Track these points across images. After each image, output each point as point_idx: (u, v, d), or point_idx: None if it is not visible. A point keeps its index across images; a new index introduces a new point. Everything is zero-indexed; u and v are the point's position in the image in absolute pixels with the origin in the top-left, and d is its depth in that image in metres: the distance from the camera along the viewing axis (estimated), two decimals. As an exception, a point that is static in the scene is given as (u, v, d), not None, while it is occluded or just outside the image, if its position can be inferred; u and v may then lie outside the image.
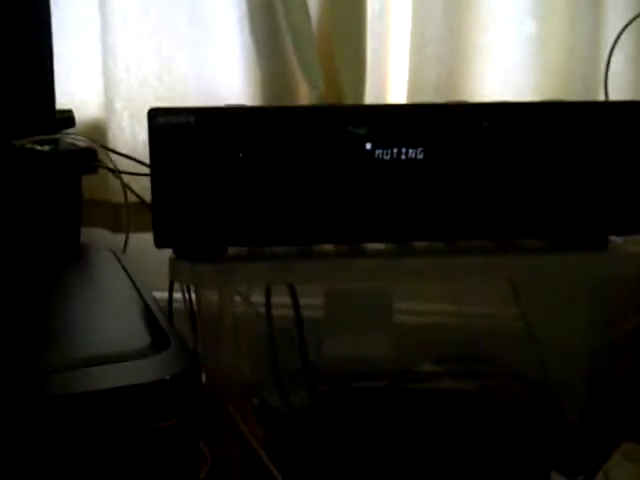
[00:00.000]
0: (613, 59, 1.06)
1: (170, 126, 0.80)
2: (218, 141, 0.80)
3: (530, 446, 0.98)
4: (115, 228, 1.25)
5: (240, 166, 0.80)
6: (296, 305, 1.05)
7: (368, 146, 0.82)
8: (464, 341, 1.12)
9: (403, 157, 0.82)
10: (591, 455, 0.93)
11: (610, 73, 1.06)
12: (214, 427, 0.92)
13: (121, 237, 1.17)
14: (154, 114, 0.80)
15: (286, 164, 0.81)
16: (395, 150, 0.82)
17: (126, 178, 1.11)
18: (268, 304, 1.03)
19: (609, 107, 0.85)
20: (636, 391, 1.00)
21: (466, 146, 0.83)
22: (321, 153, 0.81)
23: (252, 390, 1.05)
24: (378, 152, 0.82)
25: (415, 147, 0.82)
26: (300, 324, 1.06)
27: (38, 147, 0.98)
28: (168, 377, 0.59)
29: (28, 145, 0.98)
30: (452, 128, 0.82)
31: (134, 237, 1.14)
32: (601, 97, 1.08)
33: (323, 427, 1.03)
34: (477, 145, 0.83)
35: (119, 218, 1.21)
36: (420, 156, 0.82)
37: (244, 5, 1.16)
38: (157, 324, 0.69)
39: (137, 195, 1.11)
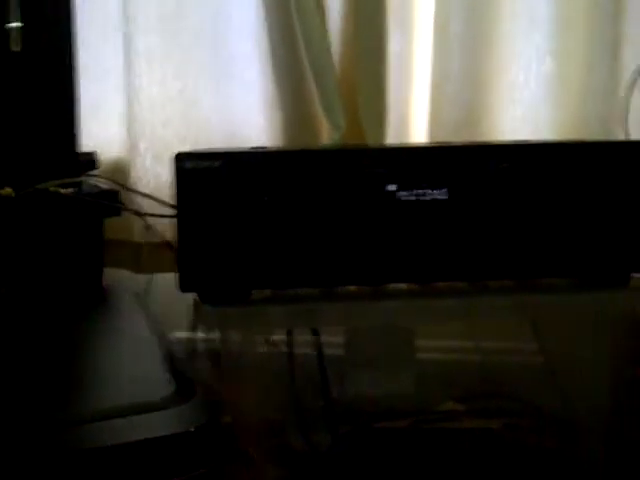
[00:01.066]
0: (632, 98, 1.06)
1: (196, 170, 0.81)
2: (243, 185, 0.81)
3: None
4: (137, 269, 1.25)
5: (265, 209, 0.81)
6: (318, 344, 1.05)
7: (391, 187, 0.82)
8: (485, 377, 1.12)
9: (426, 198, 0.83)
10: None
11: (631, 109, 1.06)
12: (237, 468, 0.92)
13: (144, 277, 1.18)
14: (181, 158, 0.81)
15: (310, 207, 0.82)
16: (418, 191, 0.82)
17: (149, 219, 1.12)
18: (290, 344, 1.04)
19: (629, 146, 0.85)
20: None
21: (488, 186, 0.83)
22: (344, 195, 0.82)
23: (275, 430, 1.05)
24: (401, 193, 0.82)
25: (438, 188, 0.83)
26: (322, 364, 1.06)
27: (61, 190, 0.99)
28: (193, 429, 0.59)
29: (52, 188, 0.99)
30: (474, 169, 0.83)
31: (156, 277, 1.15)
32: (620, 136, 1.08)
33: (345, 468, 1.03)
34: (499, 185, 0.83)
35: (141, 258, 1.21)
36: (443, 197, 0.83)
37: (266, 46, 1.17)
38: (181, 372, 0.69)
39: (159, 236, 1.12)
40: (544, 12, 1.13)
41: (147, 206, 1.14)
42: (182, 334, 0.97)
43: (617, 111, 1.10)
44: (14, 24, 0.97)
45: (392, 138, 1.17)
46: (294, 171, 0.82)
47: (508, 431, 1.07)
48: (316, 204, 0.82)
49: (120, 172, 1.24)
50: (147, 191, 1.17)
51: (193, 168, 0.80)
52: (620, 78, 1.11)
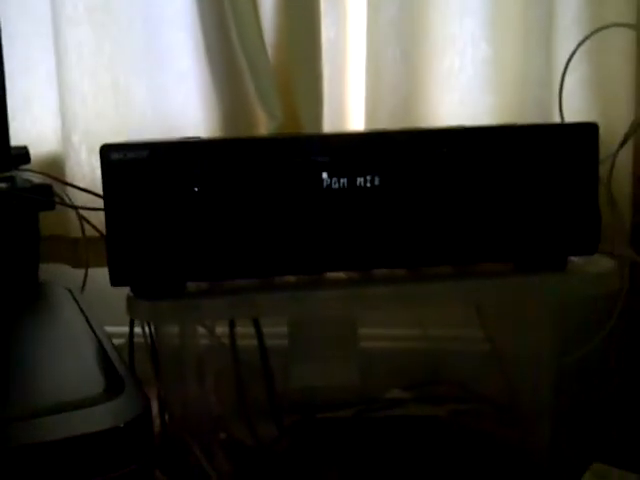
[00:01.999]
0: (567, 80, 1.06)
1: (123, 161, 0.79)
2: (173, 175, 0.79)
3: (500, 471, 0.97)
4: (75, 263, 1.23)
5: (196, 200, 0.80)
6: (260, 337, 1.04)
7: (324, 175, 0.81)
8: (431, 365, 1.12)
9: (359, 185, 0.82)
10: (561, 477, 0.92)
11: (564, 94, 1.07)
12: (179, 464, 0.90)
13: (81, 272, 1.16)
14: (107, 150, 0.79)
15: (242, 196, 0.81)
16: (350, 179, 0.81)
17: (85, 213, 1.10)
18: (232, 337, 1.02)
19: (564, 129, 0.85)
20: (603, 410, 1.00)
21: (423, 172, 0.83)
22: (277, 184, 0.81)
23: (219, 424, 1.04)
24: (335, 181, 0.81)
25: (371, 175, 0.82)
26: (264, 356, 1.05)
27: (-7, 185, 0.97)
28: (122, 425, 0.57)
29: (-17, 183, 0.97)
30: (409, 154, 0.82)
31: (95, 271, 1.13)
32: (556, 119, 1.08)
33: (290, 461, 1.02)
34: (435, 171, 0.83)
35: (79, 253, 1.20)
36: (376, 183, 0.82)
37: (200, 37, 1.16)
38: (112, 367, 0.68)
39: (96, 229, 1.10)
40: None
41: (84, 201, 1.12)
42: (119, 329, 0.95)
43: (552, 96, 1.10)
44: None
45: (330, 127, 1.16)
46: (224, 160, 0.80)
47: (454, 418, 1.07)
48: (248, 193, 0.81)
49: (55, 166, 1.22)
50: (83, 185, 1.15)
51: (120, 159, 0.78)
52: (555, 63, 1.11)
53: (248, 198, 0.81)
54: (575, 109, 1.09)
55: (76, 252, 1.21)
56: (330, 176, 0.81)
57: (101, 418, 0.58)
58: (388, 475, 0.98)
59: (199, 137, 0.87)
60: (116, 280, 0.80)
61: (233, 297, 0.84)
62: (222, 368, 1.04)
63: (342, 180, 0.81)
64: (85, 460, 0.56)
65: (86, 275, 1.13)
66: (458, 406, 1.07)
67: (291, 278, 0.87)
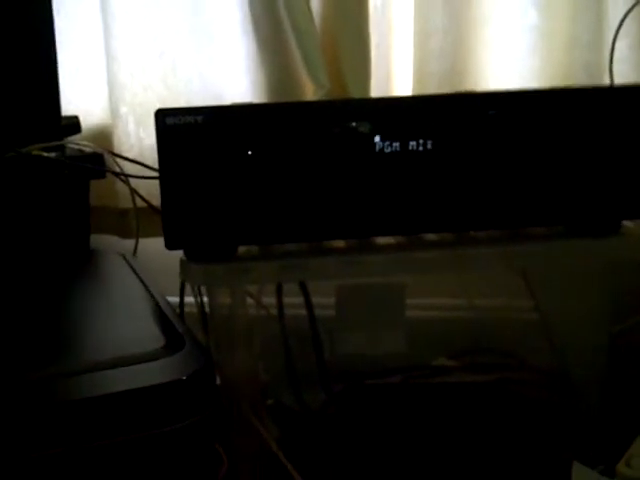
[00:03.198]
0: (617, 45, 1.05)
1: (178, 126, 0.80)
2: (226, 140, 0.80)
3: (550, 437, 0.97)
4: (124, 234, 1.24)
5: (249, 164, 0.80)
6: (308, 303, 1.04)
7: (376, 139, 0.81)
8: (478, 334, 1.11)
9: (411, 149, 0.82)
10: (612, 443, 0.92)
11: (614, 59, 1.06)
12: (230, 428, 0.91)
13: (130, 242, 1.17)
14: (161, 115, 0.80)
15: (294, 161, 0.81)
16: (402, 143, 0.81)
17: (133, 183, 1.11)
18: (280, 304, 1.03)
19: (616, 92, 0.84)
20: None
21: (474, 135, 0.83)
22: (329, 148, 0.81)
23: (267, 390, 1.05)
24: (386, 145, 0.81)
25: (423, 139, 0.82)
26: (313, 322, 1.06)
27: (45, 154, 0.98)
28: (184, 377, 0.58)
29: (35, 152, 0.98)
30: (459, 118, 0.82)
31: (143, 242, 1.14)
32: (606, 83, 1.07)
33: (338, 426, 1.03)
34: (485, 134, 0.83)
35: (128, 224, 1.21)
36: (428, 147, 0.82)
37: (246, 7, 1.16)
38: (171, 325, 0.69)
39: (145, 200, 1.11)
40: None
41: (132, 172, 1.13)
42: (171, 298, 0.96)
43: (602, 61, 1.09)
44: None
45: (377, 94, 1.16)
46: (277, 125, 0.80)
47: (502, 385, 1.06)
48: (300, 157, 0.81)
49: (103, 137, 1.23)
50: (131, 156, 1.16)
51: (174, 124, 0.79)
52: (605, 26, 1.10)
53: (300, 162, 0.81)
54: (625, 74, 1.08)
55: (124, 223, 1.23)
56: (382, 140, 0.81)
57: (163, 371, 0.59)
58: (435, 439, 0.99)
59: (250, 102, 0.87)
60: (171, 243, 0.81)
61: (283, 261, 0.84)
62: (271, 336, 1.05)
63: (394, 144, 0.81)
64: (147, 413, 0.57)
65: (136, 244, 1.14)
66: (505, 374, 1.07)
67: (340, 243, 0.87)
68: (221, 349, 0.96)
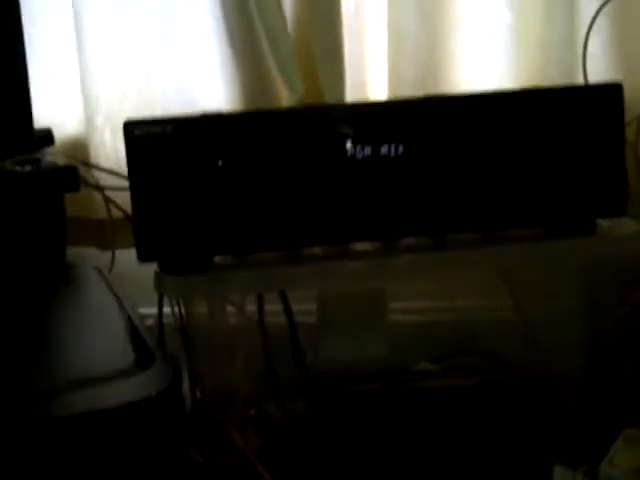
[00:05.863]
0: (590, 42, 1.05)
1: (147, 137, 0.79)
2: (196, 150, 0.80)
3: (532, 439, 0.97)
4: (102, 245, 1.23)
5: (220, 174, 0.80)
6: (288, 311, 1.04)
7: (348, 145, 0.81)
8: (459, 336, 1.11)
9: (383, 154, 0.81)
10: (593, 444, 0.92)
11: (588, 56, 1.06)
12: (209, 438, 0.91)
13: (108, 254, 1.16)
14: (130, 126, 0.79)
15: (265, 169, 0.81)
16: (374, 148, 0.81)
17: (113, 194, 1.10)
18: (260, 312, 1.03)
19: (588, 91, 0.84)
20: (635, 376, 0.99)
21: (447, 139, 0.82)
22: (300, 155, 0.81)
23: (250, 399, 1.04)
24: (358, 150, 0.81)
25: (395, 143, 0.81)
26: (294, 330, 1.05)
27: (18, 168, 0.97)
28: (152, 395, 0.58)
29: (9, 166, 0.97)
30: (432, 122, 0.82)
31: (122, 253, 1.14)
32: (580, 81, 1.07)
33: (321, 434, 1.02)
34: (458, 138, 0.82)
35: (105, 235, 1.20)
36: (401, 152, 0.81)
37: (218, 13, 1.15)
38: (141, 341, 0.68)
39: (122, 209, 1.10)
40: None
41: (108, 182, 1.13)
42: (148, 310, 0.96)
43: (576, 59, 1.09)
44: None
45: (351, 99, 1.16)
46: (246, 133, 0.80)
47: (483, 388, 1.06)
48: (272, 166, 0.81)
49: (79, 148, 1.22)
50: (107, 166, 1.16)
51: (143, 135, 0.79)
52: (578, 23, 1.10)
53: (272, 170, 0.81)
54: (599, 71, 1.08)
55: (102, 234, 1.22)
56: (354, 146, 0.81)
57: (131, 390, 0.58)
58: (418, 444, 0.98)
59: (220, 111, 0.87)
60: (143, 255, 0.81)
61: (260, 270, 0.84)
62: (251, 344, 1.04)
63: (366, 149, 0.81)
64: (117, 431, 0.56)
65: (113, 256, 1.14)
66: (486, 377, 1.07)
67: (317, 250, 0.86)
68: (201, 360, 0.96)
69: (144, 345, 0.67)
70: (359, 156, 0.81)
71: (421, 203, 0.83)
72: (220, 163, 0.79)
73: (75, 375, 0.60)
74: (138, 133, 0.79)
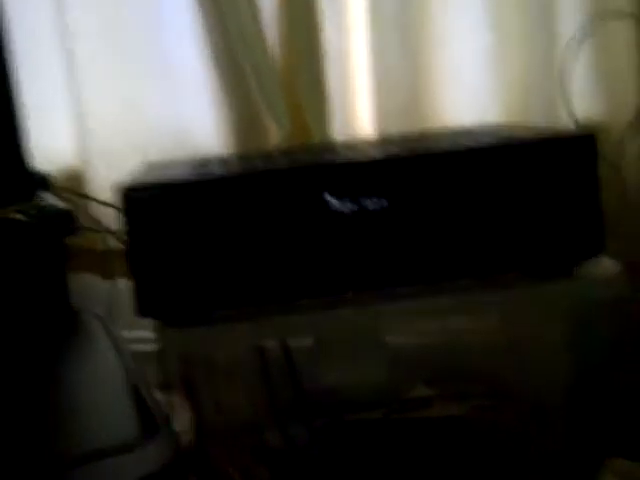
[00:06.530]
0: (572, 66, 1.08)
1: (144, 201, 0.82)
2: (191, 212, 0.83)
3: (524, 466, 1.00)
4: (104, 275, 1.26)
5: (217, 233, 0.83)
6: (285, 344, 1.06)
7: (332, 201, 0.84)
8: (453, 358, 1.13)
9: (367, 208, 0.84)
10: (578, 472, 0.95)
11: (568, 75, 1.09)
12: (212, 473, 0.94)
13: (109, 285, 1.19)
14: (128, 192, 0.82)
15: (258, 227, 0.84)
16: (360, 203, 0.84)
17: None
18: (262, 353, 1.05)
19: (563, 142, 0.87)
20: (620, 408, 1.01)
21: (428, 192, 0.86)
22: (292, 213, 0.84)
23: (251, 429, 1.07)
24: (344, 207, 0.84)
25: (378, 198, 0.84)
26: (290, 359, 1.07)
27: (18, 216, 0.99)
28: (157, 470, 0.59)
29: (10, 215, 0.99)
30: (414, 177, 0.85)
31: (122, 282, 1.16)
32: (561, 107, 1.10)
33: (322, 464, 1.05)
34: (439, 191, 0.86)
35: (106, 265, 1.23)
36: (384, 206, 0.84)
37: (209, 53, 1.17)
38: (144, 408, 0.69)
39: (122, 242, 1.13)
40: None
41: (105, 212, 1.15)
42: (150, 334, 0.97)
43: (557, 81, 1.12)
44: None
45: (338, 132, 1.18)
46: (239, 195, 0.83)
47: (477, 415, 1.08)
48: (264, 224, 0.84)
49: (75, 179, 1.24)
50: (103, 198, 1.18)
51: (140, 199, 0.82)
52: (558, 46, 1.13)
53: (264, 229, 0.84)
54: (580, 91, 1.11)
55: (103, 265, 1.24)
56: (338, 203, 0.84)
57: (138, 464, 0.60)
58: (413, 475, 1.01)
59: (211, 158, 0.89)
60: (144, 311, 0.83)
61: (259, 322, 0.87)
62: (251, 374, 1.07)
63: (350, 205, 0.84)
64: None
65: (115, 292, 1.17)
66: (481, 402, 1.09)
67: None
68: (201, 390, 0.99)
69: (148, 412, 0.69)
70: (343, 212, 0.84)
71: (403, 254, 0.86)
72: (216, 224, 0.82)
73: (77, 449, 0.61)
74: (136, 198, 0.82)
